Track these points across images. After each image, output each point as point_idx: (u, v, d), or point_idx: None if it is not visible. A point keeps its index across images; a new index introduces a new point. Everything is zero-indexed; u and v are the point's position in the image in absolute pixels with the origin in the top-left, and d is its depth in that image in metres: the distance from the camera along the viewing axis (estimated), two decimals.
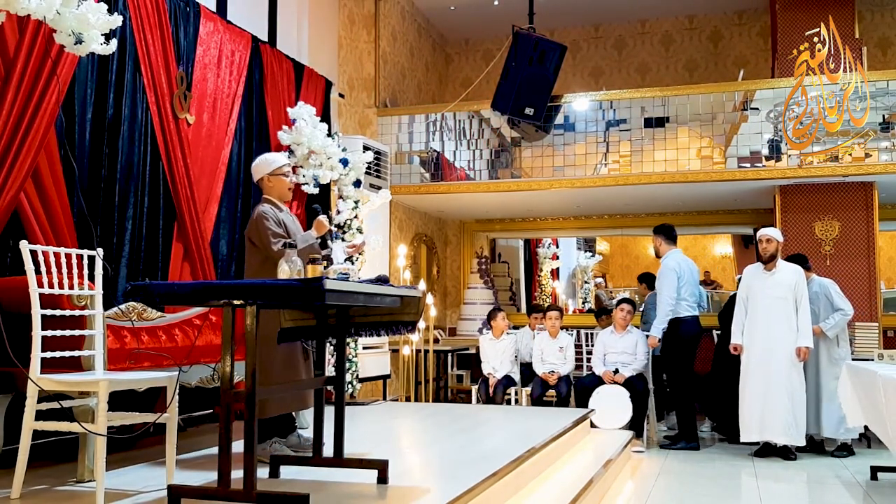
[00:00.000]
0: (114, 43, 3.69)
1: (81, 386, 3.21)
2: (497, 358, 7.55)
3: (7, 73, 4.07)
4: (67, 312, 3.46)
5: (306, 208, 6.68)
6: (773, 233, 6.52)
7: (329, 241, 4.39)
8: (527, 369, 7.62)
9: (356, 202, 6.46)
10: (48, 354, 3.31)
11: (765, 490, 5.24)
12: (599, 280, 13.25)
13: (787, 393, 6.19)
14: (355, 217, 6.45)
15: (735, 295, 6.87)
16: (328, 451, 3.71)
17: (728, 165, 7.98)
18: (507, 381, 7.45)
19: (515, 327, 8.40)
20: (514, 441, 4.61)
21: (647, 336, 7.00)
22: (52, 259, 3.40)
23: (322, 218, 4.24)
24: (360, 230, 6.45)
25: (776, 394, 6.21)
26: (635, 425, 6.71)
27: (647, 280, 8.59)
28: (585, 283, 13.11)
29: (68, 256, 3.51)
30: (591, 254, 13.27)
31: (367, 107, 8.76)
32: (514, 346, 7.65)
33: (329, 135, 6.30)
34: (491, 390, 7.36)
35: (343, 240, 6.14)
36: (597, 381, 7.00)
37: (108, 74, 4.84)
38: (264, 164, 4.33)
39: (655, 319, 6.87)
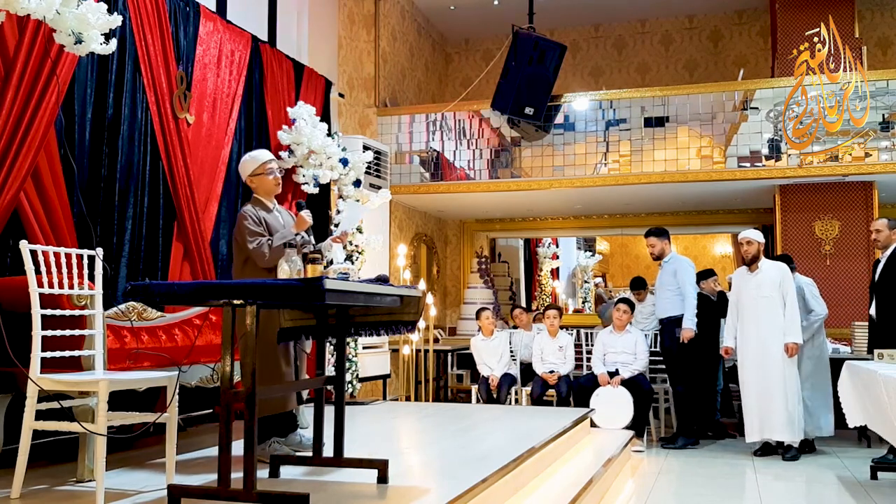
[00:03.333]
0: (113, 43, 3.69)
1: (81, 386, 3.21)
2: (492, 357, 7.52)
3: (7, 73, 4.06)
4: (67, 312, 3.46)
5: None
6: (753, 234, 6.55)
7: (310, 236, 4.36)
8: (526, 369, 7.61)
9: (356, 202, 6.46)
10: (48, 354, 3.30)
11: (765, 489, 5.24)
12: (599, 280, 13.25)
13: (782, 390, 6.20)
14: None
15: (703, 294, 6.98)
16: (328, 451, 3.71)
17: (728, 165, 7.98)
18: (510, 379, 7.42)
19: (515, 327, 8.40)
20: (514, 441, 4.60)
21: (663, 331, 7.05)
22: (52, 259, 3.40)
23: (304, 213, 4.16)
24: (359, 230, 6.45)
25: (772, 392, 6.23)
26: (636, 425, 6.70)
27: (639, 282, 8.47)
28: (585, 282, 13.11)
29: (68, 256, 3.51)
30: (591, 253, 13.28)
31: (366, 106, 8.76)
32: (507, 344, 7.62)
33: (329, 134, 6.30)
34: (494, 391, 7.33)
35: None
36: (595, 381, 6.99)
37: (107, 74, 4.84)
38: (247, 163, 4.31)
39: (686, 313, 6.72)
